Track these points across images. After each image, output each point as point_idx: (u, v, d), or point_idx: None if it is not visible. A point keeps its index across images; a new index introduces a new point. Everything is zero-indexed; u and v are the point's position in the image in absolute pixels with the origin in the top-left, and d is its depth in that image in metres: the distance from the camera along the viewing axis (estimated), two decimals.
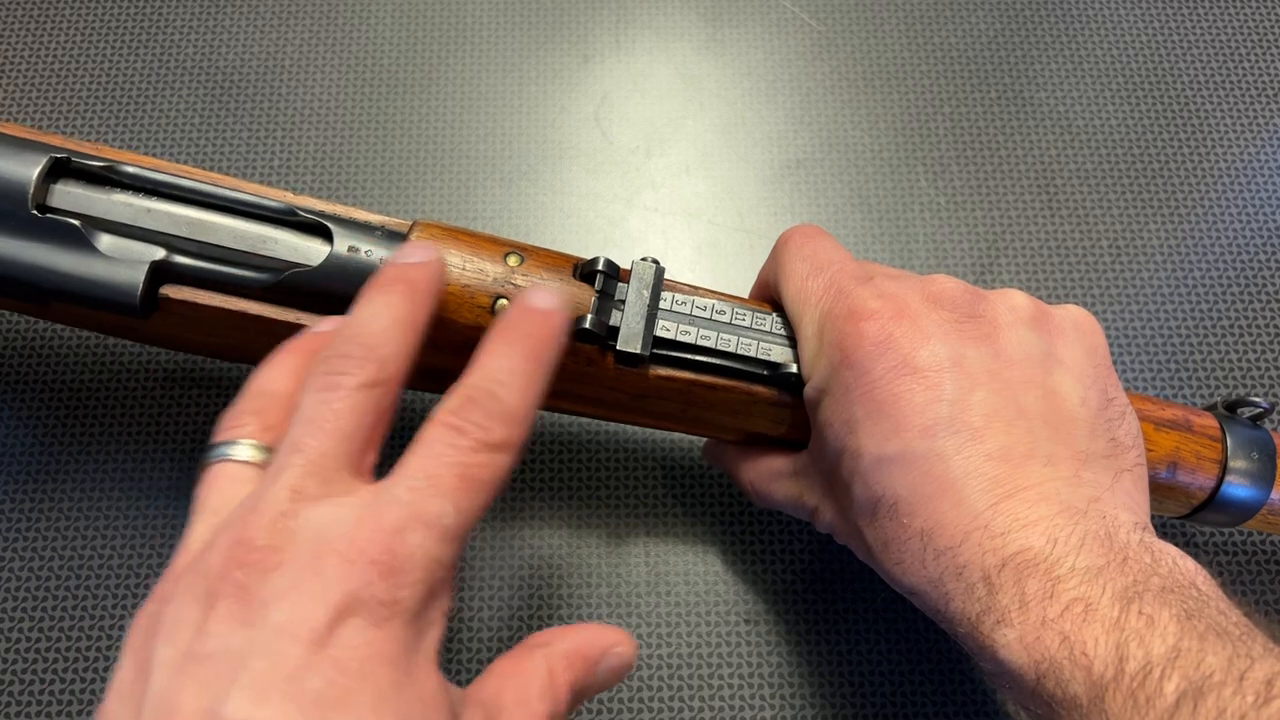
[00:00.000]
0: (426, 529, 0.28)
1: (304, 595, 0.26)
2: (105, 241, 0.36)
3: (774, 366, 0.38)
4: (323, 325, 0.35)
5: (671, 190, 0.56)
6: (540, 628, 0.46)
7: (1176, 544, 0.32)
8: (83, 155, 0.36)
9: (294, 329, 0.36)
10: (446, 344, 0.36)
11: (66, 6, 0.59)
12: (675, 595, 0.47)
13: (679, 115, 0.58)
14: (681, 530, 0.48)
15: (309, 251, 0.37)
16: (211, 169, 0.38)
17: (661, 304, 0.38)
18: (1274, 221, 0.56)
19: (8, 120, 0.54)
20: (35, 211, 0.35)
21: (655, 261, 0.38)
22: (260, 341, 0.38)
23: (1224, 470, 0.41)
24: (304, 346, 0.34)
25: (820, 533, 0.43)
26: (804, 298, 0.37)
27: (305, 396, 0.30)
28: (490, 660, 0.45)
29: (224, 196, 0.37)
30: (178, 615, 0.27)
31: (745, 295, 0.42)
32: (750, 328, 0.39)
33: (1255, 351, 0.53)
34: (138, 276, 0.35)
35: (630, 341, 0.37)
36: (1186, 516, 0.43)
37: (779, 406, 0.39)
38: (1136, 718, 0.27)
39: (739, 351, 0.38)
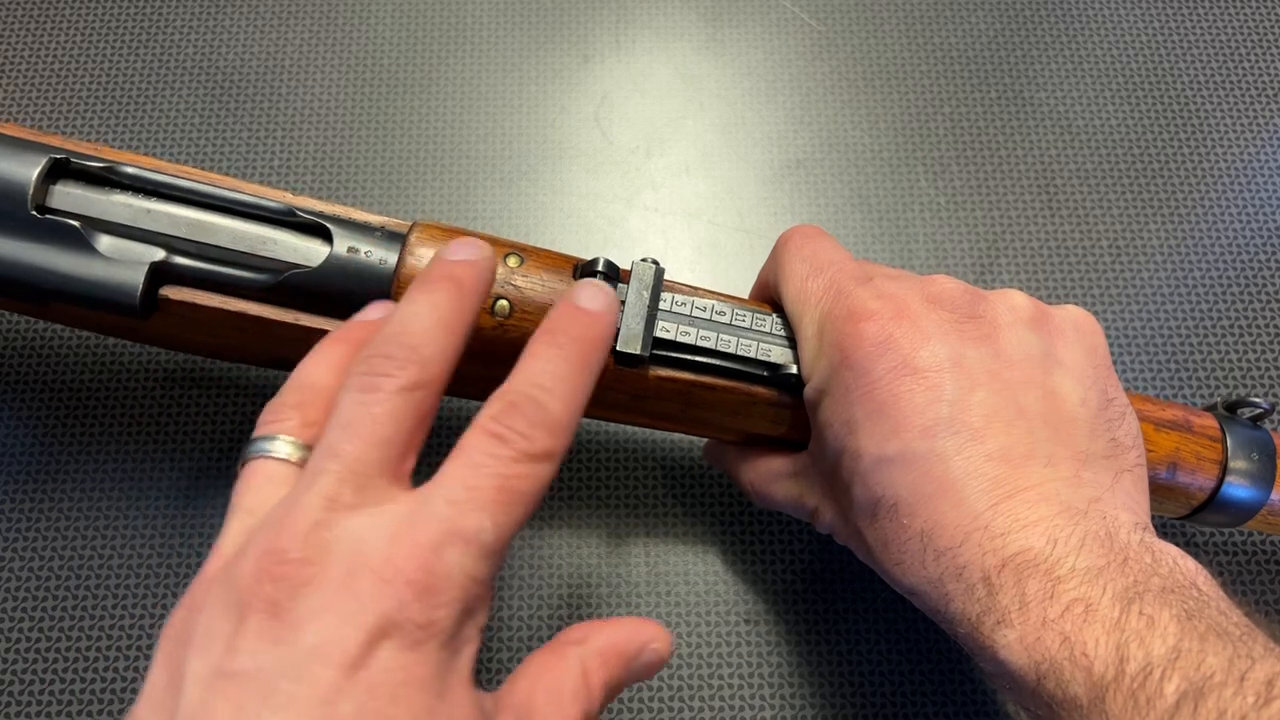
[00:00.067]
0: (465, 545, 0.27)
1: (337, 616, 0.26)
2: (105, 242, 0.36)
3: (774, 367, 0.38)
4: (370, 313, 0.34)
5: (671, 190, 0.56)
6: (540, 628, 0.46)
7: (1177, 544, 0.32)
8: (82, 156, 0.36)
9: (294, 329, 0.36)
10: None
11: (66, 6, 0.59)
12: (675, 595, 0.47)
13: (679, 115, 0.58)
14: (681, 530, 0.48)
15: (309, 252, 0.37)
16: (211, 169, 0.38)
17: (661, 305, 0.38)
18: (1274, 221, 0.56)
19: (8, 120, 0.54)
20: (35, 212, 0.35)
21: (655, 262, 0.38)
22: (260, 343, 0.38)
23: (1224, 471, 0.41)
24: (350, 336, 0.33)
25: (820, 533, 0.43)
26: (804, 298, 0.37)
27: (343, 397, 0.29)
28: (488, 660, 0.45)
29: (224, 197, 0.37)
30: (210, 626, 0.26)
31: (745, 296, 0.42)
32: (750, 328, 0.39)
33: (1255, 351, 0.53)
34: (137, 277, 0.35)
35: (630, 342, 0.37)
36: (1186, 517, 0.43)
37: (779, 407, 0.39)
38: (1137, 718, 0.27)
39: (739, 352, 0.38)
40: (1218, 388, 0.52)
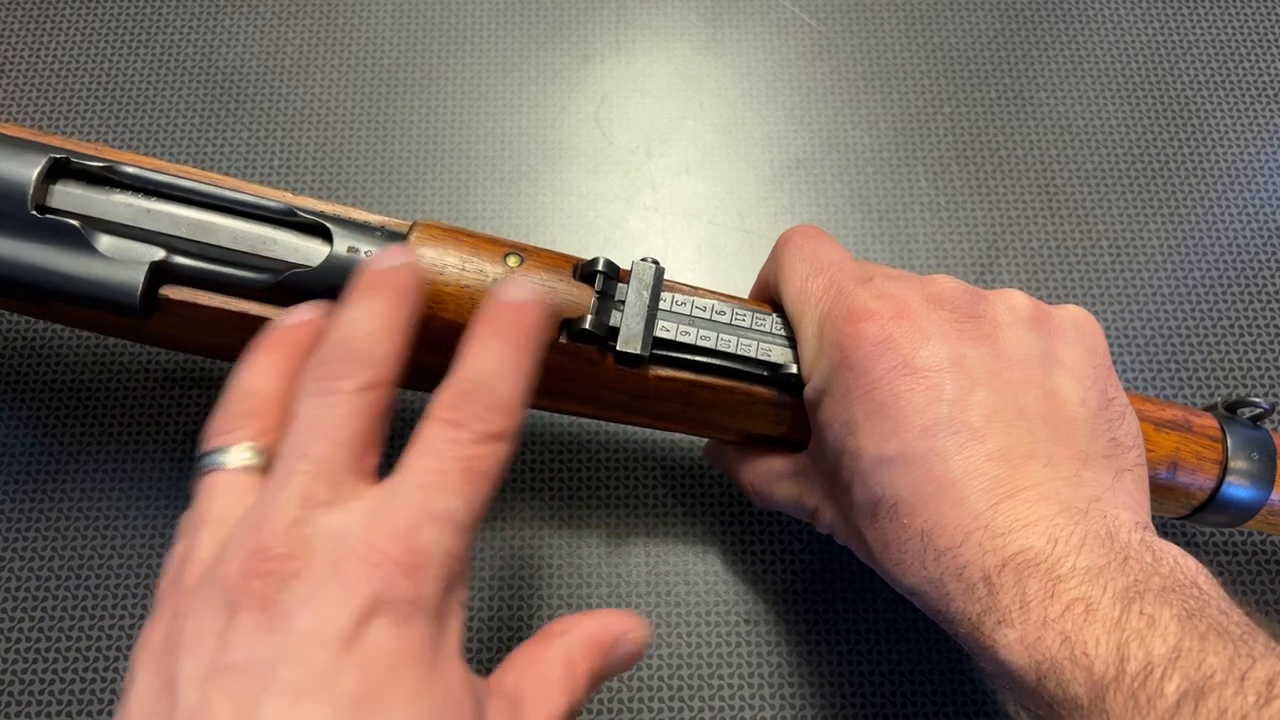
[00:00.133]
0: (441, 525, 0.29)
1: (327, 600, 0.27)
2: (105, 242, 0.36)
3: (774, 367, 0.38)
4: (292, 317, 0.34)
5: (671, 190, 0.56)
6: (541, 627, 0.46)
7: (1177, 544, 0.32)
8: (82, 156, 0.36)
9: None
10: (447, 345, 0.36)
11: (66, 6, 0.59)
12: (675, 595, 0.47)
13: (679, 115, 0.58)
14: (681, 530, 0.48)
15: (309, 252, 0.37)
16: (211, 169, 0.38)
17: (661, 304, 0.38)
18: (1274, 221, 0.56)
19: (7, 120, 0.54)
20: (35, 212, 0.35)
21: (655, 262, 0.38)
22: None
23: (1224, 471, 0.41)
24: (282, 340, 0.34)
25: (820, 533, 0.43)
26: (804, 298, 0.37)
27: (302, 402, 0.30)
28: (490, 660, 0.45)
29: (224, 197, 0.37)
30: (199, 628, 0.27)
31: (745, 296, 0.42)
32: (750, 328, 0.39)
33: (1255, 351, 0.53)
34: (137, 277, 0.35)
35: (630, 342, 0.37)
36: (1187, 517, 0.43)
37: (779, 407, 0.39)
38: (1138, 718, 0.27)
39: (739, 352, 0.38)
40: (1218, 388, 0.52)
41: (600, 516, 0.48)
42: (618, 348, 0.37)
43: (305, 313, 0.34)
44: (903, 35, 0.60)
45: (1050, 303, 0.41)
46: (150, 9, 0.59)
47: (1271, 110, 0.59)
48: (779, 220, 0.55)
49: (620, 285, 0.38)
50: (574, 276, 0.37)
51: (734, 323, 0.38)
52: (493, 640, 0.46)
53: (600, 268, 0.37)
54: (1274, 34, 0.61)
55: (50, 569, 0.46)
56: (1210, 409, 0.44)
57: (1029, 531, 0.31)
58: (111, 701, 0.44)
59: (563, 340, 0.37)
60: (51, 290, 0.35)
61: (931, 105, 0.59)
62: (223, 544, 0.29)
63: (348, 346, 0.31)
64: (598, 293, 0.37)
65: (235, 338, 0.37)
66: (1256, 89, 0.59)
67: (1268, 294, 0.54)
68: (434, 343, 0.35)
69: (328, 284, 0.36)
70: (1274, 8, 0.61)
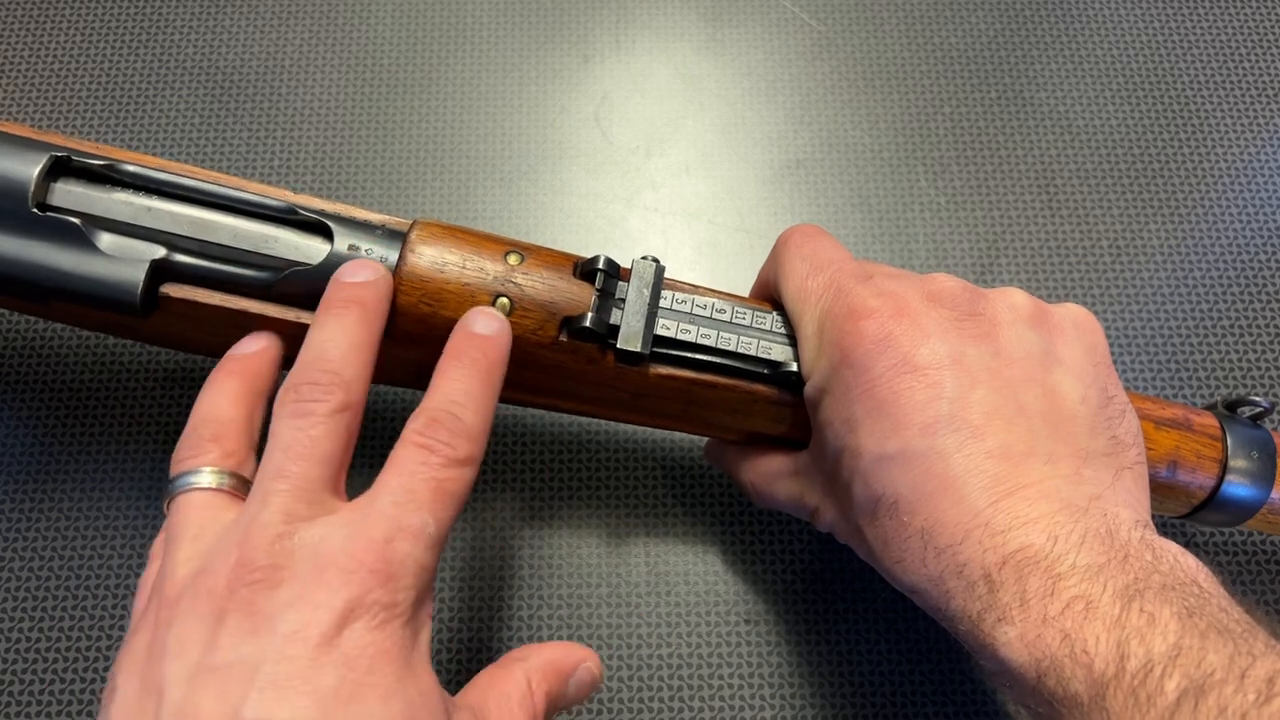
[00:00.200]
0: (414, 538, 0.31)
1: (309, 604, 0.28)
2: (106, 240, 0.36)
3: (774, 365, 0.38)
4: (248, 346, 0.37)
5: (671, 190, 0.56)
6: (540, 627, 0.46)
7: (1176, 544, 0.32)
8: (83, 154, 0.36)
9: (295, 327, 0.36)
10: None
11: (66, 6, 0.59)
12: (675, 595, 0.47)
13: (679, 115, 0.58)
14: (681, 530, 0.48)
15: (309, 250, 0.37)
16: (212, 169, 0.38)
17: (662, 302, 0.38)
18: (1274, 221, 0.56)
19: (7, 120, 0.54)
20: (35, 210, 0.35)
21: (655, 260, 0.38)
22: None
23: (1224, 469, 0.41)
24: (239, 369, 0.36)
25: (820, 533, 0.43)
26: (804, 296, 0.37)
27: (279, 424, 0.32)
28: (493, 655, 0.45)
29: (224, 195, 0.37)
30: (183, 635, 0.29)
31: (745, 295, 0.42)
32: (751, 326, 0.39)
33: (1255, 351, 0.53)
34: (138, 275, 0.35)
35: (631, 340, 0.37)
36: (1186, 516, 0.43)
37: (779, 405, 0.39)
38: (1138, 716, 0.27)
39: (739, 350, 0.38)
40: (1218, 387, 0.52)
41: (600, 516, 0.48)
42: (618, 346, 0.37)
43: (259, 341, 0.37)
44: (903, 35, 0.60)
45: (1050, 302, 0.41)
46: (150, 9, 0.59)
47: (1271, 110, 0.59)
48: (779, 220, 0.55)
49: (621, 283, 0.38)
50: (574, 274, 0.37)
51: (734, 321, 0.38)
52: (494, 639, 0.46)
53: (601, 266, 0.37)
54: (1274, 34, 0.61)
55: (50, 569, 0.46)
56: (1210, 408, 0.44)
57: (1029, 529, 0.31)
58: None
59: (563, 338, 0.37)
60: (52, 288, 0.35)
61: (931, 105, 0.59)
62: (204, 557, 0.30)
63: (321, 368, 0.33)
64: (598, 290, 0.37)
65: (236, 336, 0.37)
66: (1256, 89, 0.59)
67: (1268, 294, 0.54)
68: (434, 341, 0.36)
69: (328, 282, 0.36)
70: (1274, 8, 0.61)
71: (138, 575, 0.46)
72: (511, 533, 0.48)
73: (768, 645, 0.46)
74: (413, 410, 0.34)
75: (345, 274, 0.35)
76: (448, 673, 0.45)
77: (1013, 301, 0.37)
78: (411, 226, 0.37)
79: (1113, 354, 0.41)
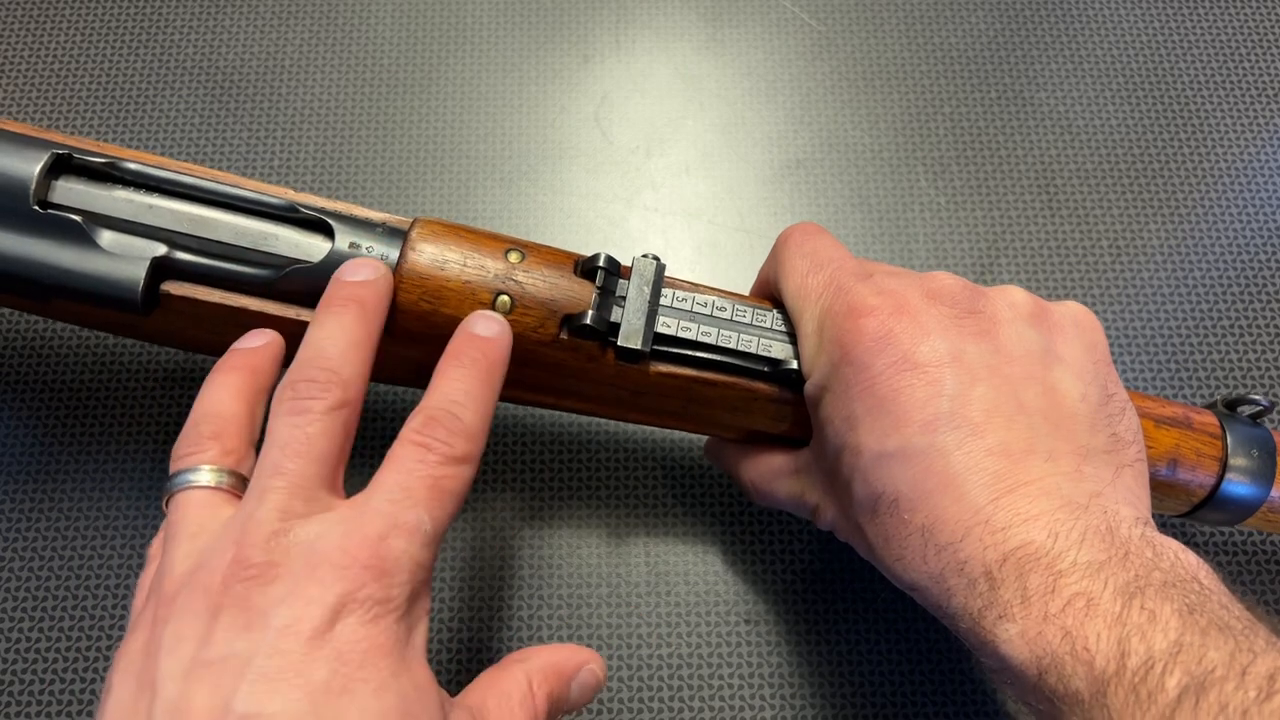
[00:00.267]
0: (409, 535, 0.31)
1: (302, 599, 0.28)
2: (107, 238, 0.36)
3: (775, 363, 0.38)
4: (251, 340, 0.36)
5: (671, 190, 0.56)
6: (540, 627, 0.46)
7: (1177, 541, 0.32)
8: (84, 151, 0.36)
9: (295, 325, 0.37)
10: (447, 342, 0.36)
11: (66, 6, 0.59)
12: (675, 595, 0.47)
13: (679, 115, 0.58)
14: (681, 530, 0.48)
15: (310, 248, 0.37)
16: (212, 169, 0.38)
17: (662, 300, 0.38)
18: (1274, 221, 0.56)
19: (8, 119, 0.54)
20: (37, 207, 0.35)
21: (656, 258, 0.38)
22: None
23: (1224, 468, 0.41)
24: (241, 364, 0.36)
25: (821, 532, 0.43)
26: (804, 294, 0.38)
27: (277, 421, 0.32)
28: (493, 655, 0.45)
29: (225, 193, 0.37)
30: (178, 632, 0.29)
31: (745, 294, 0.42)
32: (751, 324, 0.39)
33: (1255, 351, 0.53)
34: (139, 272, 0.35)
35: (631, 338, 0.37)
36: (1186, 515, 0.43)
37: (780, 403, 0.39)
38: (1138, 713, 0.27)
39: (740, 348, 0.38)
40: (1218, 387, 0.52)
41: (600, 516, 0.48)
42: (619, 343, 0.37)
43: (261, 337, 0.37)
44: (903, 35, 0.60)
45: (1050, 301, 0.41)
46: (150, 9, 0.59)
47: (1271, 110, 0.59)
48: (779, 220, 0.55)
49: (621, 281, 0.38)
50: (575, 272, 0.37)
51: (735, 319, 0.38)
52: (493, 639, 0.46)
53: (601, 263, 0.37)
54: (1274, 34, 0.61)
55: (50, 569, 0.46)
56: (1210, 407, 0.44)
57: (1030, 526, 0.31)
58: None
59: (563, 336, 0.37)
60: (53, 286, 0.35)
61: (931, 105, 0.59)
62: (201, 554, 0.30)
63: (320, 365, 0.33)
64: (599, 288, 0.37)
65: (237, 334, 0.37)
66: (1256, 89, 0.59)
67: (1268, 294, 0.54)
68: (435, 339, 0.36)
69: (329, 280, 0.36)
70: (1274, 8, 0.62)
71: (137, 575, 0.46)
72: (511, 533, 0.48)
73: (768, 645, 0.46)
74: (412, 409, 0.34)
75: (345, 272, 0.35)
76: (447, 673, 0.45)
77: (1012, 299, 0.37)
78: (412, 224, 0.37)
79: (1113, 353, 0.41)
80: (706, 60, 0.59)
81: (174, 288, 0.36)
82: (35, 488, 0.47)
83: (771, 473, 0.41)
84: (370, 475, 0.32)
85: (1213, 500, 0.41)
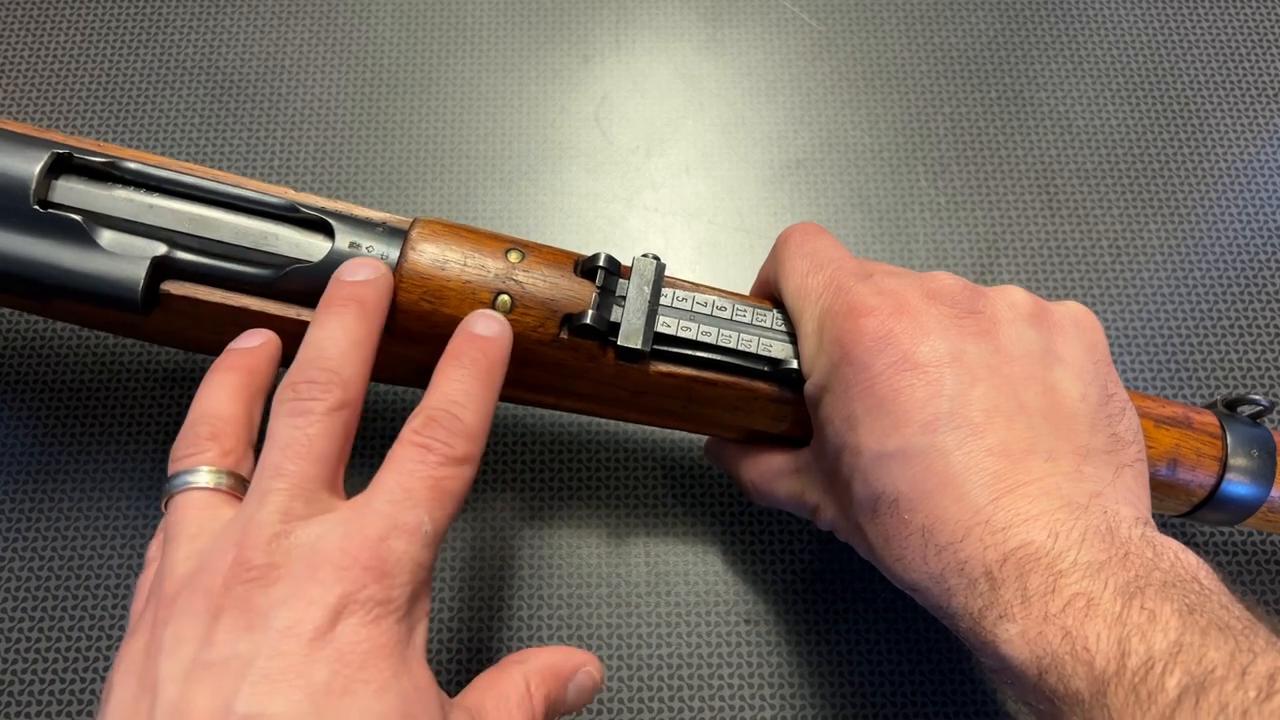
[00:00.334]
0: (409, 536, 0.31)
1: (303, 600, 0.28)
2: (107, 237, 0.36)
3: (775, 363, 0.38)
4: (247, 340, 0.36)
5: (671, 190, 0.56)
6: (541, 628, 0.46)
7: (1177, 541, 0.32)
8: (84, 151, 0.36)
9: (296, 325, 0.36)
10: (447, 341, 0.36)
11: (66, 6, 0.59)
12: (675, 595, 0.47)
13: (679, 115, 0.58)
14: (681, 530, 0.48)
15: (310, 247, 0.37)
16: (212, 168, 0.38)
17: (662, 300, 0.38)
18: (1274, 221, 0.56)
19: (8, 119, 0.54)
20: (37, 207, 0.35)
21: (656, 258, 0.38)
22: None
23: (1224, 468, 0.41)
24: (238, 364, 0.36)
25: (821, 532, 0.43)
26: (804, 294, 0.38)
27: (277, 422, 0.32)
28: (492, 655, 0.45)
29: (226, 193, 0.37)
30: (179, 634, 0.29)
31: (745, 294, 0.42)
32: (751, 324, 0.39)
33: (1255, 351, 0.53)
34: (139, 272, 0.35)
35: (631, 337, 0.37)
36: (1186, 515, 0.43)
37: (780, 403, 0.39)
38: (1139, 712, 0.27)
39: (740, 348, 0.38)
40: (1218, 387, 0.52)
41: (600, 516, 0.48)
42: (619, 343, 0.37)
43: (258, 337, 0.37)
44: (903, 35, 0.60)
45: (1050, 301, 0.41)
46: (150, 9, 0.59)
47: (1271, 110, 0.59)
48: (779, 220, 0.55)
49: (621, 281, 0.38)
50: (575, 272, 0.37)
51: (735, 318, 0.38)
52: (493, 639, 0.46)
53: (602, 263, 0.37)
54: (1274, 34, 0.61)
55: (50, 569, 0.46)
56: (1210, 407, 0.44)
57: (1030, 526, 0.31)
58: None
59: (564, 335, 0.37)
60: (54, 285, 0.35)
61: (931, 105, 0.59)
62: (201, 556, 0.30)
63: (320, 366, 0.33)
64: (599, 288, 0.37)
65: (236, 333, 0.37)
66: (1256, 89, 0.59)
67: (1268, 294, 0.54)
68: (435, 339, 0.36)
69: (329, 279, 0.36)
70: (1274, 8, 0.62)
71: (137, 575, 0.46)
72: (511, 533, 0.48)
73: (768, 645, 0.46)
74: (412, 410, 0.34)
75: (345, 272, 0.35)
76: (447, 673, 0.45)
77: (1012, 299, 0.37)
78: (412, 224, 0.37)
79: (1113, 353, 0.41)
80: (706, 60, 0.59)
81: (174, 287, 0.36)
82: (35, 488, 0.47)
83: (771, 472, 0.41)
84: (370, 475, 0.32)
85: (1213, 500, 0.41)
